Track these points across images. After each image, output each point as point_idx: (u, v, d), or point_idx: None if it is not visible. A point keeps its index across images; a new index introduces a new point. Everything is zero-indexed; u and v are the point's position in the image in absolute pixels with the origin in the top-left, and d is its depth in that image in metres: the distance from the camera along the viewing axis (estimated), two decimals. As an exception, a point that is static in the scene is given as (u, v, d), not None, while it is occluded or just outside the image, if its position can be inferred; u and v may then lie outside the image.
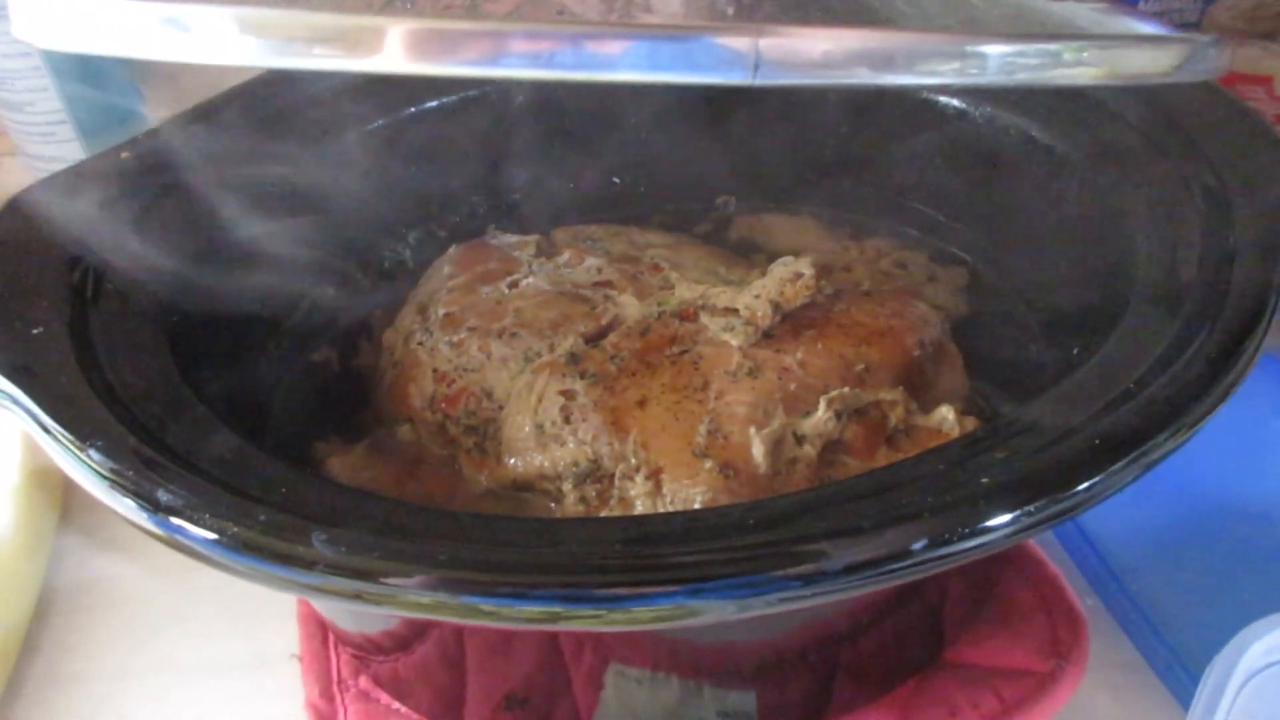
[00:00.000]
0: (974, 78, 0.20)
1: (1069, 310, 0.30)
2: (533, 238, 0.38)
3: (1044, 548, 0.37)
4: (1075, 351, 0.28)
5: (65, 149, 0.53)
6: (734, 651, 0.31)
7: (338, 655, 0.35)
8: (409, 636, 0.31)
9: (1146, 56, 0.22)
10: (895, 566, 0.20)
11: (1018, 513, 0.20)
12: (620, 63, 0.18)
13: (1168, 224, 0.29)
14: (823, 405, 0.30)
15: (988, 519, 0.20)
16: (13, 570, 0.36)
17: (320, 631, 0.36)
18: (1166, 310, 0.26)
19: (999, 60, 0.20)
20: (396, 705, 0.34)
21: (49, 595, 0.38)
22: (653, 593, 0.20)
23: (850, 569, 0.20)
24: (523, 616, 0.20)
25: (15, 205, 0.29)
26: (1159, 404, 0.22)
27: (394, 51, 0.19)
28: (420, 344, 0.33)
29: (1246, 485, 0.40)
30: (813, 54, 0.19)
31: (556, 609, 0.20)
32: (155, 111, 0.48)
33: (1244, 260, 0.27)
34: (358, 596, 0.20)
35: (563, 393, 0.31)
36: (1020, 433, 0.23)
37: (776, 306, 0.32)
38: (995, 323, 0.33)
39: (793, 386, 0.31)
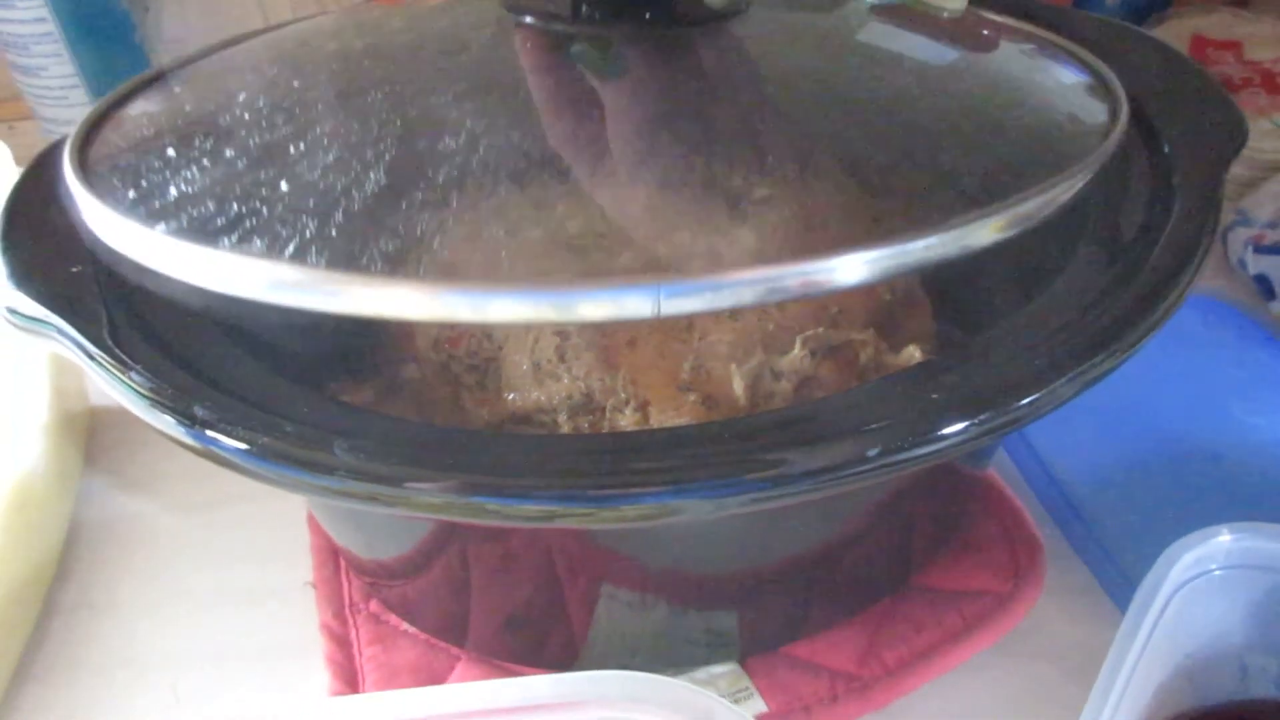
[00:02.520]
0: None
1: (1028, 261, 0.32)
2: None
3: (1009, 484, 0.40)
4: (1029, 296, 0.30)
5: (78, 112, 0.54)
6: (718, 577, 0.33)
7: (349, 582, 0.38)
8: (417, 563, 0.34)
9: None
10: (852, 471, 0.22)
11: (966, 424, 0.23)
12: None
13: (1118, 174, 0.31)
14: (798, 344, 0.32)
15: (937, 429, 0.23)
16: (43, 502, 0.38)
17: (333, 560, 0.38)
18: (1109, 254, 0.28)
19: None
20: (405, 626, 0.36)
21: (76, 530, 0.41)
22: (638, 493, 0.22)
23: (811, 473, 0.22)
24: (523, 515, 0.23)
25: (51, 153, 0.31)
26: (1095, 332, 0.25)
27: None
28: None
29: (1202, 428, 0.43)
30: (706, 293, 0.22)
31: (554, 508, 0.22)
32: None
33: (1183, 207, 0.29)
34: (374, 499, 0.23)
35: (558, 334, 0.33)
36: (970, 358, 0.25)
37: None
38: (960, 274, 0.35)
39: (771, 327, 0.33)
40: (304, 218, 0.25)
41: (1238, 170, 0.54)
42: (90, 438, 0.45)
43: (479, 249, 0.27)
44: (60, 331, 0.26)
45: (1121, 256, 0.28)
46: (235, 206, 0.25)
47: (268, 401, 0.24)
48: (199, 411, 0.23)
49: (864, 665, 0.34)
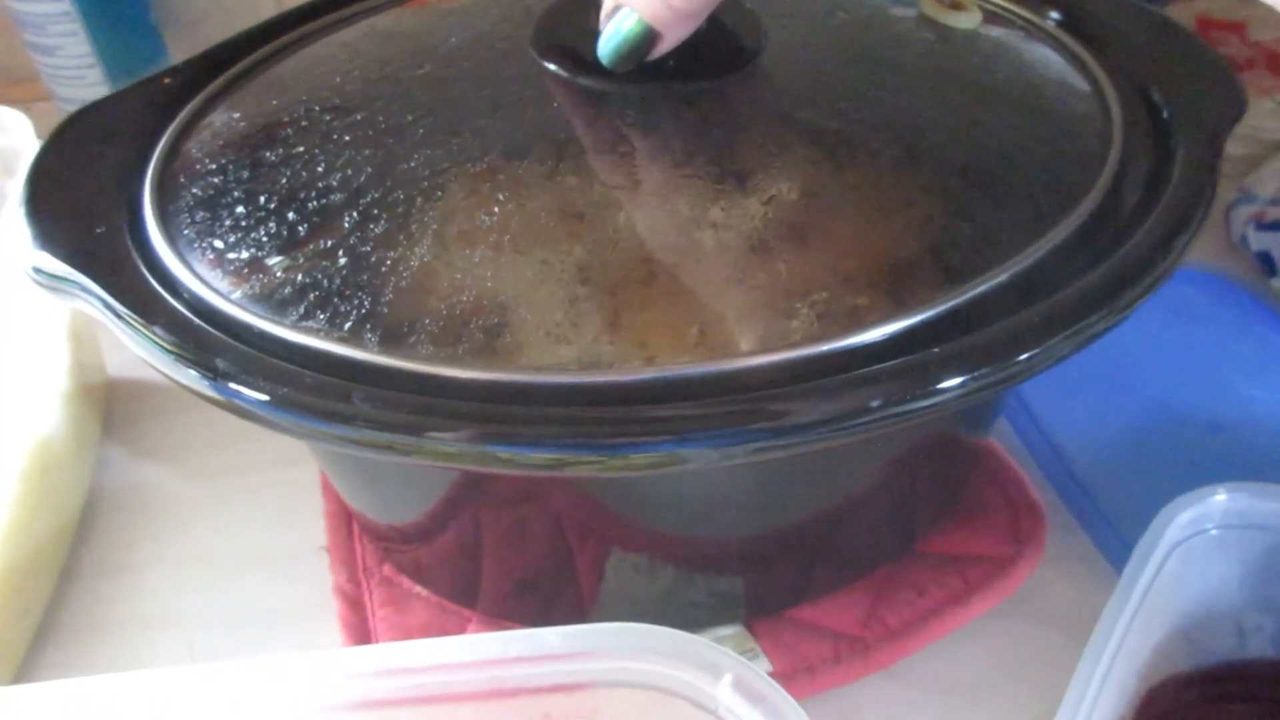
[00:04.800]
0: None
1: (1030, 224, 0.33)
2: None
3: (1011, 454, 0.40)
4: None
5: (94, 91, 0.55)
6: (724, 541, 0.34)
7: (363, 546, 0.38)
8: (430, 527, 0.35)
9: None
10: (855, 422, 0.23)
11: (965, 377, 0.23)
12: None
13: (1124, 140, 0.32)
14: (806, 306, 0.32)
15: (937, 382, 0.23)
16: (63, 466, 0.39)
17: (346, 525, 0.39)
18: (1109, 219, 0.29)
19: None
20: (418, 589, 0.37)
21: (95, 496, 0.42)
22: (646, 441, 0.23)
23: (815, 423, 0.23)
24: (534, 463, 0.23)
25: (78, 118, 0.32)
26: (1091, 292, 0.25)
27: None
28: (437, 256, 0.36)
29: (1202, 400, 0.43)
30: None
31: (563, 456, 0.23)
32: (178, 56, 0.51)
33: (1181, 173, 0.30)
34: (390, 447, 0.23)
35: (569, 299, 0.34)
36: (972, 315, 0.26)
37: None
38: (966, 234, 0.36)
39: (781, 289, 0.33)
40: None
41: (1241, 149, 0.55)
42: (108, 409, 0.46)
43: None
44: (83, 289, 0.26)
45: (1121, 221, 0.29)
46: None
47: (287, 353, 0.25)
48: (220, 364, 0.24)
49: (867, 627, 0.34)
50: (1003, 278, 0.27)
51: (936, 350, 0.24)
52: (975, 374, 0.24)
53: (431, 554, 0.36)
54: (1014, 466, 0.39)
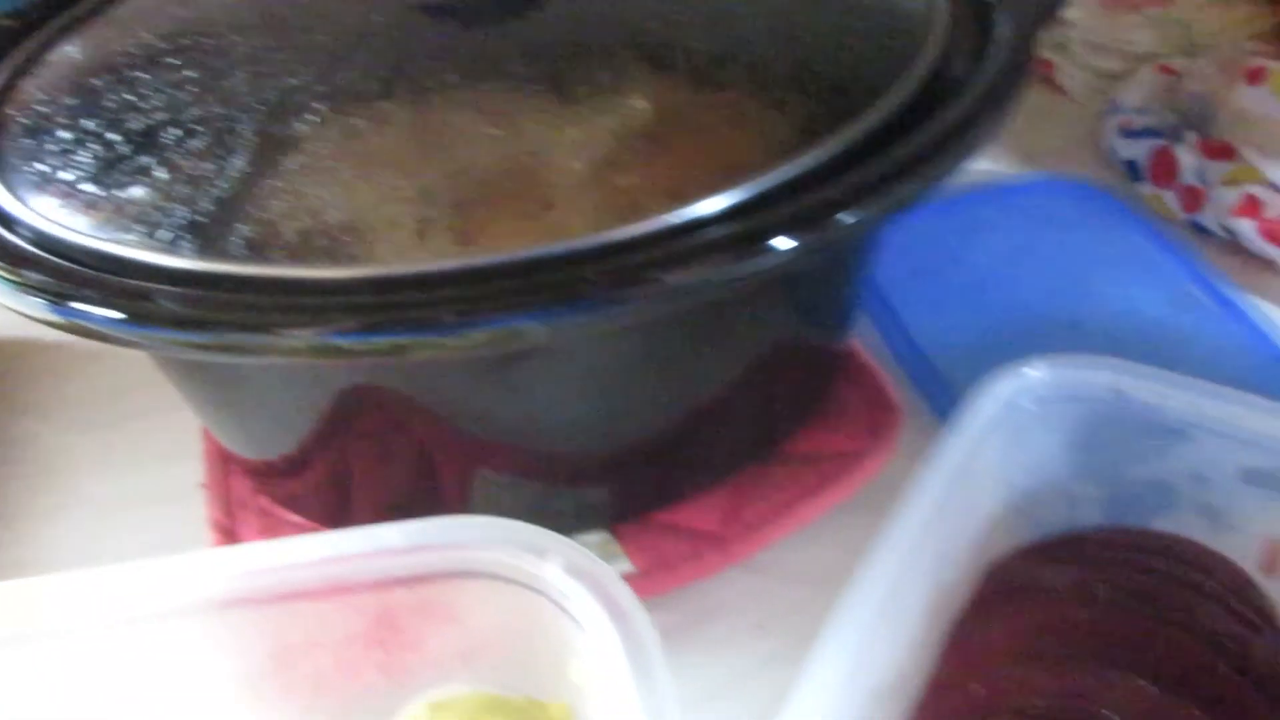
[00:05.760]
0: None
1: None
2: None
3: (880, 362, 0.41)
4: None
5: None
6: (583, 455, 0.35)
7: (238, 482, 0.39)
8: (301, 460, 0.35)
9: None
10: (660, 287, 0.24)
11: (795, 242, 0.25)
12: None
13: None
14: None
15: (762, 244, 0.25)
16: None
17: (222, 463, 0.39)
18: (927, 97, 0.30)
19: None
20: (291, 517, 0.37)
21: (-27, 454, 0.42)
22: (481, 317, 0.24)
23: (636, 290, 0.25)
24: (374, 350, 0.24)
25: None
26: (904, 162, 0.27)
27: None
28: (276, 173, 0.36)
29: (1064, 300, 0.45)
30: None
31: (402, 340, 0.24)
32: None
33: (997, 56, 0.31)
34: (240, 349, 0.24)
35: (419, 220, 0.34)
36: (802, 184, 0.27)
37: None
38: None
39: (624, 203, 0.34)
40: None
41: (1114, 64, 0.56)
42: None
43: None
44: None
45: (937, 101, 0.30)
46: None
47: (130, 273, 0.26)
48: (64, 287, 0.24)
49: (726, 525, 0.35)
50: (821, 157, 0.28)
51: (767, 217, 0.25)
52: (798, 237, 0.25)
53: (302, 484, 0.37)
54: (875, 369, 0.40)
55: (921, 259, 0.46)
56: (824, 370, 0.39)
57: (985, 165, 0.55)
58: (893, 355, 0.43)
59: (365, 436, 0.34)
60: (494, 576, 0.28)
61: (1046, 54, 0.58)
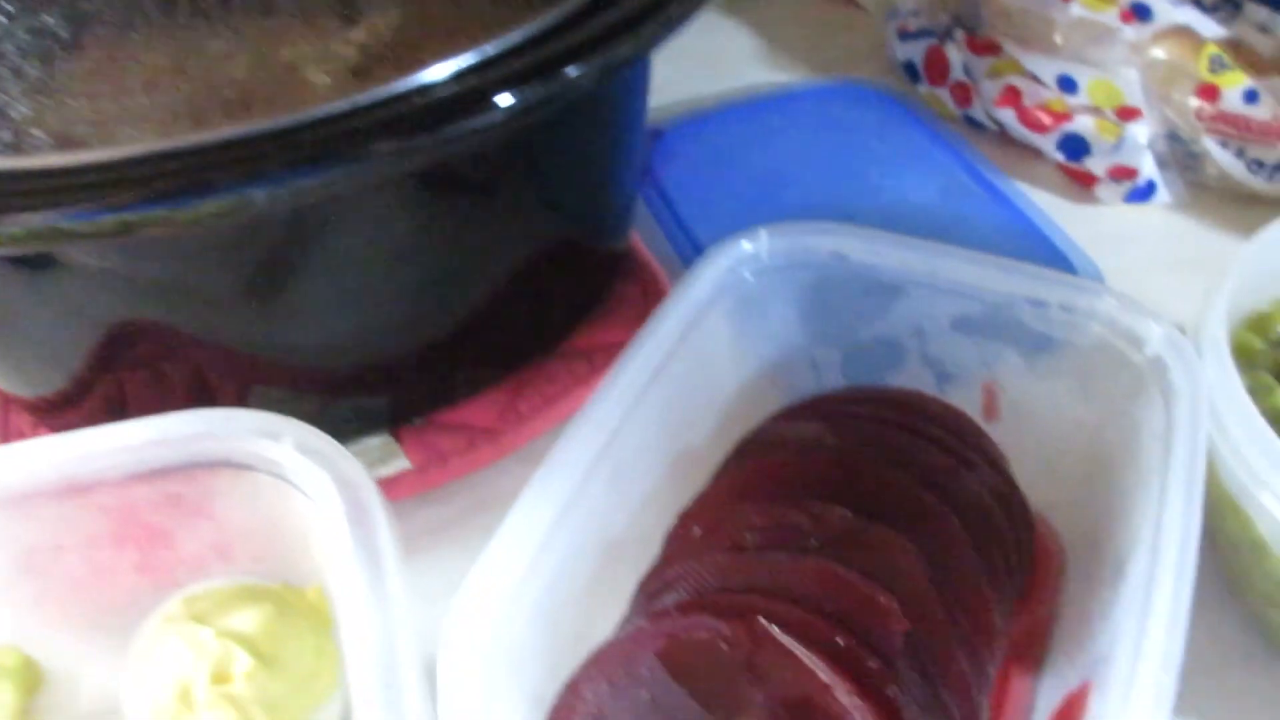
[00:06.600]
0: None
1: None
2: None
3: (659, 257, 0.43)
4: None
5: None
6: (359, 361, 0.35)
7: (17, 416, 0.38)
8: (76, 395, 0.35)
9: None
10: (365, 151, 0.25)
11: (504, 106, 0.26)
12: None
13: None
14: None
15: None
16: None
17: (1, 400, 0.39)
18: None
19: None
20: (71, 445, 0.37)
21: None
22: (208, 188, 0.24)
23: (342, 152, 0.25)
24: (101, 230, 0.24)
25: None
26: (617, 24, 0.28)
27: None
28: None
29: (841, 194, 0.47)
30: None
31: (129, 217, 0.24)
32: None
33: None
34: None
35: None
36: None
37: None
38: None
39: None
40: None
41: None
42: None
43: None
44: None
45: None
46: None
47: None
48: None
49: (502, 419, 0.36)
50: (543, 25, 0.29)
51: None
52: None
53: (79, 416, 0.36)
54: (653, 265, 0.41)
55: (709, 164, 0.48)
56: (603, 269, 0.40)
57: (781, 77, 0.56)
58: (676, 254, 0.44)
59: (136, 364, 0.34)
60: (232, 464, 0.28)
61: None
